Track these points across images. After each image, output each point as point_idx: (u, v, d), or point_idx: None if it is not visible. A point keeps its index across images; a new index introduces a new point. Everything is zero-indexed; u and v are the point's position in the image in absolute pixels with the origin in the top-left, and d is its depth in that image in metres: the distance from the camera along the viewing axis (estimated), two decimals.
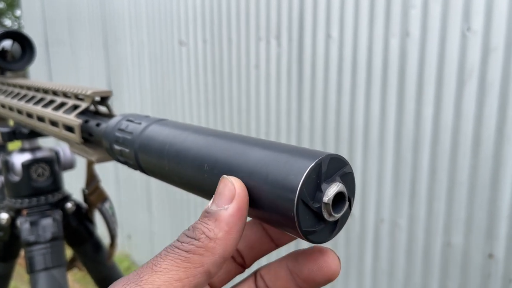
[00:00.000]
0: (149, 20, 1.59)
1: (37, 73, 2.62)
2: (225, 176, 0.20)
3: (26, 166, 0.56)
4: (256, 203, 0.20)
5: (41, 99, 0.45)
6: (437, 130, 0.88)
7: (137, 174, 1.66)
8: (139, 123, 0.31)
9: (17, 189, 0.56)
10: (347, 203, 0.20)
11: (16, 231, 0.56)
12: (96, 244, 0.63)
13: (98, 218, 0.63)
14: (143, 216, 1.87)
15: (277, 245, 0.23)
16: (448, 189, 0.89)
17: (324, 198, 0.19)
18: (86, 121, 0.38)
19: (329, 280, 0.21)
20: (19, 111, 0.49)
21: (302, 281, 0.21)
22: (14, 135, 0.55)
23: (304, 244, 1.01)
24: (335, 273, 0.20)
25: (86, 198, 0.61)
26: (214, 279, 0.23)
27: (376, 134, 0.98)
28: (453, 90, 0.85)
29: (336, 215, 0.19)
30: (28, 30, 2.67)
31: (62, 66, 2.33)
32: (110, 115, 0.38)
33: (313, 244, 0.20)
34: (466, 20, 0.81)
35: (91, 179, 0.60)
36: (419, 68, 0.89)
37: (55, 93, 0.44)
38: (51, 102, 0.44)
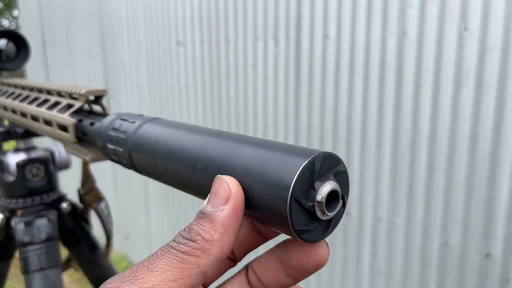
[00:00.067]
0: (147, 20, 1.59)
1: (34, 73, 2.61)
2: (219, 175, 0.20)
3: (21, 166, 0.55)
4: (250, 202, 0.20)
5: (35, 99, 0.45)
6: (435, 130, 0.88)
7: (135, 174, 1.66)
8: (133, 122, 0.30)
9: (12, 189, 0.56)
10: (341, 201, 0.20)
11: (11, 232, 0.56)
12: (91, 244, 0.62)
13: (94, 218, 0.63)
14: (140, 216, 1.87)
15: (266, 239, 0.23)
16: (446, 188, 0.89)
17: (317, 197, 0.19)
18: (80, 120, 0.37)
19: (318, 266, 0.20)
20: (14, 111, 0.48)
21: (292, 270, 0.21)
22: (8, 135, 0.55)
23: None
24: (323, 259, 0.20)
25: (81, 198, 0.61)
26: None
27: (374, 134, 0.98)
28: (450, 90, 0.85)
29: (329, 214, 0.19)
30: (26, 30, 2.66)
31: (59, 66, 2.32)
32: (104, 114, 0.38)
33: None
34: (463, 20, 0.81)
35: (87, 179, 0.59)
36: (417, 67, 0.89)
37: (49, 92, 0.44)
38: (45, 101, 0.43)
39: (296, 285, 0.21)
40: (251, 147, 0.21)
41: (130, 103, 1.77)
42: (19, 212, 0.55)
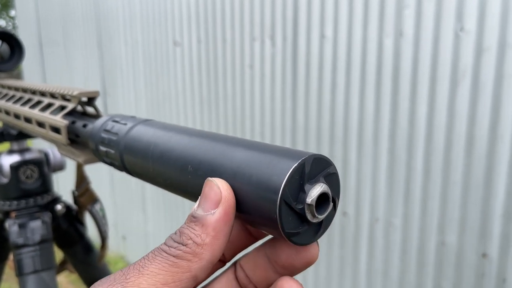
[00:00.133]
0: (143, 20, 1.58)
1: (31, 73, 2.60)
2: (210, 178, 0.20)
3: (15, 168, 0.55)
4: (239, 205, 0.20)
5: (29, 100, 0.45)
6: (431, 130, 0.88)
7: None
8: (125, 124, 0.30)
9: (6, 191, 0.56)
10: (331, 204, 0.20)
11: (5, 233, 0.56)
12: (86, 246, 0.62)
13: (89, 219, 0.63)
14: (138, 217, 1.86)
15: (257, 238, 0.23)
16: (442, 188, 0.89)
17: (307, 199, 0.18)
18: (73, 122, 0.37)
19: (308, 264, 0.20)
20: (7, 112, 0.48)
21: (281, 267, 0.21)
22: (2, 136, 0.55)
23: None
24: (313, 257, 0.20)
25: (76, 199, 0.60)
26: None
27: (371, 134, 0.98)
28: (446, 90, 0.85)
29: (320, 217, 0.19)
30: (22, 31, 2.65)
31: (56, 67, 2.32)
32: (97, 116, 0.38)
33: None
34: (459, 20, 0.81)
35: (81, 180, 0.59)
36: (413, 67, 0.89)
37: (42, 94, 0.44)
38: (38, 103, 0.43)
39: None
40: (242, 149, 0.21)
41: (127, 102, 1.77)
42: (13, 214, 0.55)
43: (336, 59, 1.02)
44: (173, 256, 0.18)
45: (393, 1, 0.90)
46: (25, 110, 0.43)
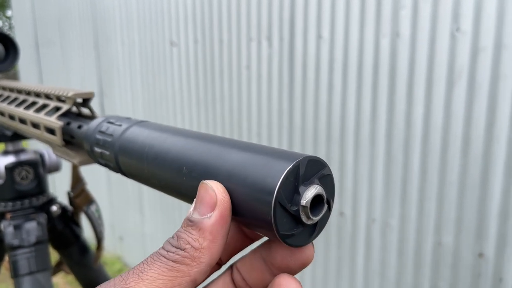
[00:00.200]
0: (140, 20, 1.58)
1: (27, 74, 2.59)
2: (204, 181, 0.20)
3: (10, 169, 0.55)
4: (234, 207, 0.20)
5: (23, 101, 0.45)
6: (428, 130, 0.89)
7: None
8: (120, 125, 0.30)
9: (1, 192, 0.55)
10: (326, 205, 0.20)
11: (0, 235, 0.55)
12: (82, 247, 0.62)
13: (84, 221, 0.62)
14: (134, 217, 1.86)
15: (252, 240, 0.23)
16: (439, 188, 0.89)
17: (302, 201, 0.18)
18: (67, 123, 0.37)
19: (303, 265, 0.20)
20: (2, 113, 0.48)
21: (277, 269, 0.21)
22: None
23: None
24: (308, 258, 0.20)
25: (71, 200, 0.60)
26: None
27: (367, 134, 0.98)
28: (443, 90, 0.85)
29: (314, 218, 0.19)
30: (19, 31, 2.64)
31: (52, 67, 2.31)
32: (92, 117, 0.38)
33: None
34: (455, 20, 0.82)
35: (77, 181, 0.59)
36: (410, 68, 0.89)
37: (37, 94, 0.43)
38: (33, 104, 0.43)
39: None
40: (236, 151, 0.21)
41: (124, 102, 1.77)
42: (8, 216, 0.54)
43: (332, 60, 1.02)
44: (172, 261, 0.18)
45: (389, 2, 0.90)
46: (20, 111, 0.43)
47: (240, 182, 0.19)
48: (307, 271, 1.18)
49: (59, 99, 0.40)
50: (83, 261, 0.61)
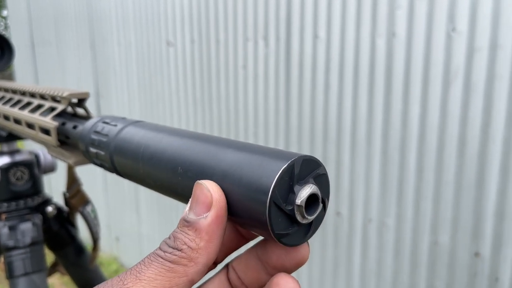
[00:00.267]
0: (137, 20, 1.58)
1: (23, 74, 2.58)
2: (200, 181, 0.20)
3: (5, 169, 0.54)
4: (229, 206, 0.20)
5: (18, 101, 0.44)
6: (424, 130, 0.89)
7: None
8: (115, 125, 0.30)
9: None
10: (321, 205, 0.20)
11: None
12: (78, 247, 0.61)
13: (80, 221, 0.62)
14: (131, 218, 1.85)
15: (248, 240, 0.23)
16: (435, 188, 0.89)
17: (297, 200, 0.18)
18: (63, 124, 0.37)
19: (299, 264, 0.20)
20: None
21: (272, 268, 0.21)
22: None
23: None
24: (304, 257, 0.20)
25: (67, 201, 0.60)
26: None
27: (364, 134, 0.99)
28: (439, 90, 0.85)
29: (309, 217, 0.19)
30: (14, 31, 2.63)
31: (48, 67, 2.30)
32: (87, 117, 0.37)
33: None
34: (451, 20, 0.82)
35: (72, 182, 0.58)
36: (406, 68, 0.90)
37: (32, 95, 0.43)
38: (28, 104, 0.43)
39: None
40: (232, 150, 0.21)
41: (121, 103, 1.76)
42: (3, 216, 0.54)
43: (329, 60, 1.02)
44: (169, 262, 0.18)
45: (385, 2, 0.90)
46: (15, 111, 0.43)
47: (235, 182, 0.19)
48: (303, 270, 1.18)
49: (54, 99, 0.40)
50: (79, 262, 0.61)
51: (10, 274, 0.51)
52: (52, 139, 0.37)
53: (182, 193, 0.23)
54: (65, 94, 0.37)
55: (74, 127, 0.35)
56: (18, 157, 0.56)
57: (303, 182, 0.19)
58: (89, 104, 1.86)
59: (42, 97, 0.42)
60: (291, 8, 1.07)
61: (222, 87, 1.30)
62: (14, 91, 0.47)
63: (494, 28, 0.77)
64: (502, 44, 0.77)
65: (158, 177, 0.24)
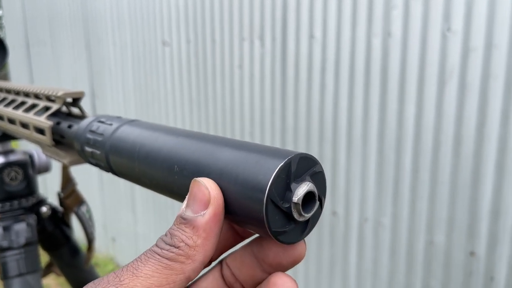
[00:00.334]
0: (132, 20, 1.57)
1: (18, 74, 2.57)
2: (197, 178, 0.20)
3: None
4: (227, 205, 0.20)
5: (12, 101, 0.44)
6: (419, 130, 0.89)
7: None
8: (110, 124, 0.30)
9: None
10: (318, 202, 0.20)
11: None
12: (73, 248, 0.61)
13: (75, 222, 0.62)
14: (127, 218, 1.85)
15: (243, 238, 0.23)
16: (431, 188, 0.90)
17: (293, 198, 0.18)
18: (57, 123, 0.36)
19: (295, 262, 0.20)
20: None
21: (268, 266, 0.21)
22: None
23: None
24: (300, 255, 0.20)
25: (62, 201, 0.59)
26: None
27: (360, 134, 0.99)
28: (434, 90, 0.86)
29: (306, 215, 0.19)
30: (9, 31, 2.61)
31: (43, 67, 2.29)
32: (82, 117, 0.37)
33: None
34: (446, 20, 0.82)
35: (67, 182, 0.58)
36: (401, 68, 0.90)
37: (26, 94, 0.43)
38: (22, 103, 0.42)
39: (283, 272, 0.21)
40: (228, 149, 0.21)
41: (116, 103, 1.75)
42: None
43: (325, 59, 1.02)
44: (166, 259, 0.18)
45: (381, 2, 0.90)
46: (9, 111, 0.42)
47: (232, 180, 0.19)
48: (300, 270, 1.18)
49: (48, 98, 0.39)
50: (73, 262, 0.60)
51: (4, 275, 0.50)
52: (47, 138, 0.36)
53: (178, 192, 0.23)
54: (59, 94, 0.37)
55: (69, 126, 0.35)
56: (12, 157, 0.55)
57: (299, 180, 0.19)
58: (85, 104, 1.85)
59: (37, 96, 0.41)
60: (286, 8, 1.07)
61: (218, 87, 1.29)
62: (8, 91, 0.47)
63: (489, 28, 0.78)
64: (497, 43, 0.77)
65: (154, 176, 0.24)
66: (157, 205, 1.65)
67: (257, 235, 0.21)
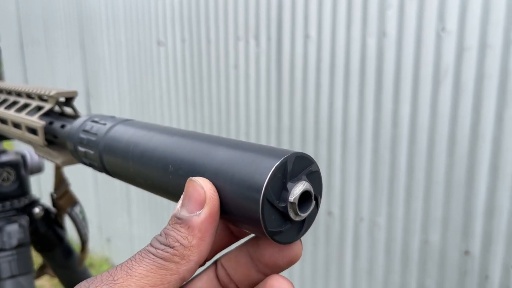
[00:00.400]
0: (127, 19, 1.56)
1: (12, 74, 2.54)
2: (192, 178, 0.19)
3: None
4: (222, 205, 0.19)
5: (4, 100, 0.43)
6: (414, 129, 0.89)
7: None
8: (104, 124, 0.29)
9: None
10: (314, 202, 0.19)
11: None
12: (66, 249, 0.60)
13: (68, 223, 0.61)
14: (122, 218, 1.84)
15: (238, 238, 0.23)
16: (425, 187, 0.90)
17: (290, 198, 0.18)
18: (50, 123, 0.36)
19: (291, 262, 0.20)
20: None
21: (264, 266, 0.20)
22: None
23: None
24: (297, 255, 0.20)
25: (55, 202, 0.59)
26: None
27: (355, 133, 0.99)
28: (429, 90, 0.86)
29: (302, 215, 0.19)
30: (3, 30, 2.59)
31: (37, 67, 2.27)
32: (75, 116, 0.37)
33: None
34: (441, 20, 0.83)
35: (60, 182, 0.57)
36: (396, 67, 0.90)
37: (18, 94, 0.42)
38: (14, 103, 0.42)
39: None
40: (224, 148, 0.21)
41: (111, 103, 1.74)
42: None
43: (320, 59, 1.02)
44: (161, 259, 0.18)
45: (376, 2, 0.90)
46: (1, 111, 0.42)
47: (227, 180, 0.19)
48: (295, 270, 1.18)
49: (41, 98, 0.39)
50: (67, 263, 0.60)
51: None
52: (39, 138, 0.36)
53: (173, 192, 0.22)
54: (52, 93, 0.37)
55: (62, 126, 0.34)
56: (4, 158, 0.55)
57: (296, 179, 0.19)
58: (79, 104, 1.84)
59: (29, 96, 0.41)
60: (282, 8, 1.07)
61: (213, 87, 1.29)
62: (0, 90, 0.46)
63: (483, 28, 0.78)
64: (491, 43, 0.78)
65: (148, 176, 0.24)
66: (153, 205, 1.64)
67: (252, 235, 0.21)
